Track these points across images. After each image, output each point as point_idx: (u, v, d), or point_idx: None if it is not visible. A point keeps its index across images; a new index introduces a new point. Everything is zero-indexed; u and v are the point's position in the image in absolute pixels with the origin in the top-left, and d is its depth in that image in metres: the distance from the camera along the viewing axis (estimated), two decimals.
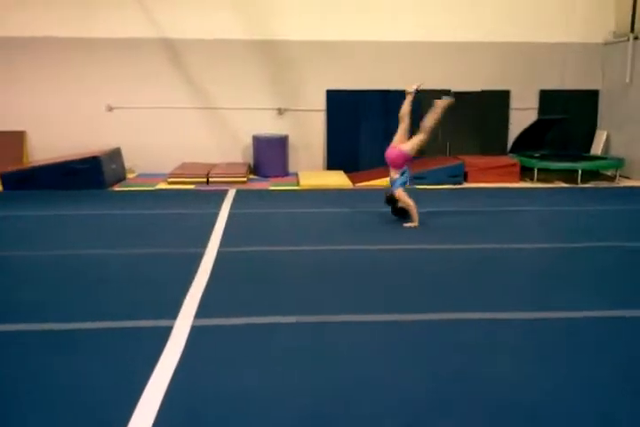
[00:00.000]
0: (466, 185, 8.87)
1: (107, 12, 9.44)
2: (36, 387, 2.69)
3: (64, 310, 3.66)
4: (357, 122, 10.00)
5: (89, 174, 8.14)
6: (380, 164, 9.74)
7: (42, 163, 8.60)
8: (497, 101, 10.22)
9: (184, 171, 9.02)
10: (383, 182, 8.58)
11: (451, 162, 9.13)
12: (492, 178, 8.99)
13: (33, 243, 5.34)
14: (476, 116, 10.17)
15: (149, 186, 8.59)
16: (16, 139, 9.61)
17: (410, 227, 6.02)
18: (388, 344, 3.19)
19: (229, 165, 9.72)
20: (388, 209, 6.36)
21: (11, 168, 8.42)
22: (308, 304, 3.79)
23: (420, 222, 6.04)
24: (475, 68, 10.04)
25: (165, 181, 8.84)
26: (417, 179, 8.67)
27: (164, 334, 3.25)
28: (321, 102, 10.04)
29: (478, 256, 4.98)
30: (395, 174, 6.28)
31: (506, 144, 10.28)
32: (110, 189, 8.34)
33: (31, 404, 2.55)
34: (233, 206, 7.06)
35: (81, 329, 3.36)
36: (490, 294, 4.01)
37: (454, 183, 8.82)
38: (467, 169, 9.00)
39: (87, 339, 3.24)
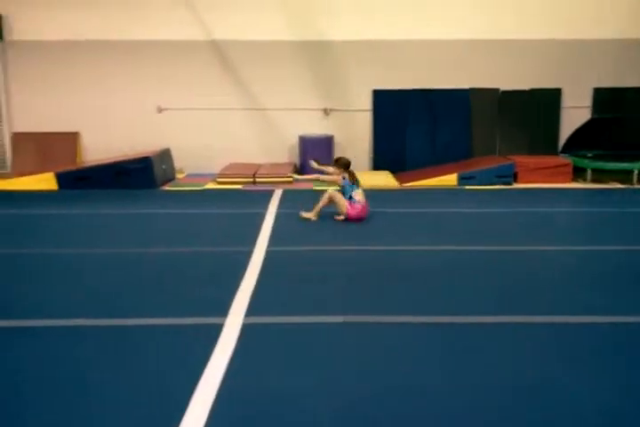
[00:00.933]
0: (515, 185, 8.69)
1: (158, 15, 9.65)
2: (89, 382, 2.76)
3: (119, 307, 3.74)
4: (404, 122, 9.93)
5: (140, 174, 8.33)
6: (427, 163, 9.70)
7: (95, 163, 8.86)
8: (548, 100, 9.98)
9: (232, 171, 9.14)
10: (432, 182, 8.52)
11: (500, 162, 8.96)
12: (542, 178, 8.78)
13: (87, 240, 5.49)
14: (527, 115, 9.95)
15: (198, 186, 8.73)
16: (70, 139, 9.93)
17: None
18: (438, 347, 3.14)
19: (276, 165, 9.79)
20: (437, 210, 6.30)
21: (66, 168, 8.68)
22: (356, 304, 3.78)
23: (467, 224, 5.94)
24: (524, 66, 9.83)
25: (214, 181, 8.97)
26: (465, 179, 8.56)
27: (216, 331, 3.29)
28: (367, 102, 10.00)
29: (534, 259, 4.87)
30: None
31: (557, 144, 10.03)
32: (160, 188, 8.51)
33: (83, 400, 2.62)
34: (279, 206, 7.11)
35: (134, 325, 3.43)
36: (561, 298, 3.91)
37: (503, 184, 8.65)
38: (517, 169, 8.82)
39: (140, 335, 3.30)
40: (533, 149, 9.85)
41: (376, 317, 3.55)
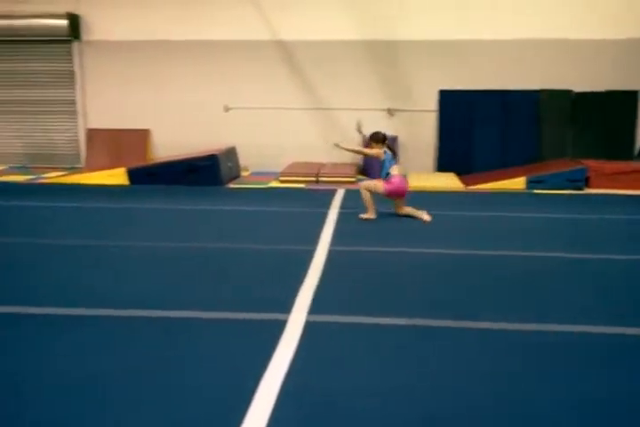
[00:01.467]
0: (587, 191, 8.36)
1: (227, 15, 9.84)
2: (154, 373, 2.83)
3: (185, 299, 3.83)
4: (471, 123, 9.74)
5: (207, 172, 8.50)
6: (494, 166, 9.47)
7: (164, 160, 9.11)
8: (624, 103, 9.57)
9: (295, 170, 9.20)
10: (499, 186, 8.32)
11: (572, 166, 8.64)
12: (617, 184, 8.39)
13: (156, 234, 5.65)
14: (601, 118, 9.57)
15: (262, 184, 8.84)
16: (141, 136, 10.26)
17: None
18: (506, 357, 3.05)
19: (338, 165, 9.80)
20: (503, 213, 6.13)
21: (136, 164, 8.97)
22: (419, 306, 3.72)
23: (533, 228, 5.76)
24: (599, 67, 9.46)
25: (277, 179, 9.06)
26: (534, 183, 8.31)
27: (279, 327, 3.31)
28: (433, 103, 9.87)
29: (596, 267, 4.67)
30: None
31: (633, 149, 9.60)
32: (226, 186, 8.67)
33: (148, 390, 2.68)
34: (342, 206, 7.11)
35: (198, 318, 3.50)
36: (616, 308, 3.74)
37: (574, 188, 8.34)
38: (589, 174, 8.48)
39: (204, 328, 3.36)
40: (607, 154, 9.45)
41: (440, 321, 3.49)
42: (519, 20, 9.46)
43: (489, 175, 8.90)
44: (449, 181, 8.77)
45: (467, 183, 8.57)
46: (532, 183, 8.33)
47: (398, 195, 6.33)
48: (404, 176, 6.28)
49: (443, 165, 9.81)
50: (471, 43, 9.59)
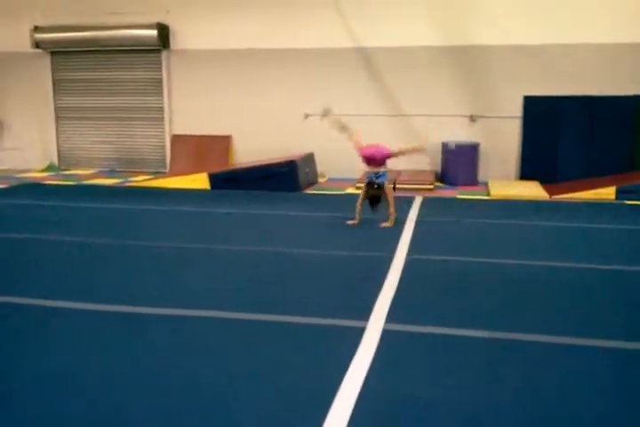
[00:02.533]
0: None
1: (308, 23, 9.95)
2: (233, 374, 2.87)
3: (266, 301, 3.87)
4: (557, 130, 9.37)
5: (285, 177, 8.61)
6: (582, 175, 9.06)
7: (244, 165, 9.30)
8: None
9: None
10: (586, 195, 7.94)
11: None
12: None
13: (235, 238, 5.76)
14: None
15: (339, 190, 8.86)
16: (223, 142, 10.54)
17: (386, 226, 6.15)
18: (610, 375, 2.89)
19: (416, 172, 9.68)
20: (591, 225, 5.83)
21: (218, 169, 9.21)
22: (500, 320, 3.59)
23: (623, 241, 5.45)
24: None
25: (354, 186, 9.04)
26: (625, 193, 7.87)
27: (357, 334, 3.28)
28: (517, 109, 9.57)
29: None
30: (377, 168, 6.40)
31: None
32: (303, 191, 8.74)
33: (228, 391, 2.72)
34: (420, 214, 6.99)
35: (279, 322, 3.53)
36: None
37: None
38: None
39: (284, 331, 3.39)
40: None
41: (522, 334, 3.35)
42: (609, 23, 9.02)
43: (575, 184, 8.52)
44: (533, 190, 8.46)
45: (552, 192, 8.22)
46: (622, 193, 7.89)
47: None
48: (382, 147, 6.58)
49: (526, 174, 9.48)
50: (557, 47, 9.24)
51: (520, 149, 9.62)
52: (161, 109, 10.89)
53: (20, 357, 3.04)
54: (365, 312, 3.63)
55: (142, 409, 2.52)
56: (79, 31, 10.55)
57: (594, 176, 8.96)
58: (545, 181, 9.03)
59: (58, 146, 11.44)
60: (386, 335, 3.29)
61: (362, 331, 3.33)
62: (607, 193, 7.92)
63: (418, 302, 3.91)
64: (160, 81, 10.80)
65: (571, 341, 3.26)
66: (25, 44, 10.90)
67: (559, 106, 9.29)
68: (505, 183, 9.14)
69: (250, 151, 10.31)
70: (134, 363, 2.96)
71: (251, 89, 10.40)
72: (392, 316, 3.60)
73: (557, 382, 2.79)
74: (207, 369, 2.90)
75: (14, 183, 9.34)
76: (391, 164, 9.85)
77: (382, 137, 10.01)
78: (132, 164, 11.14)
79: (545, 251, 5.30)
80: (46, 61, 11.13)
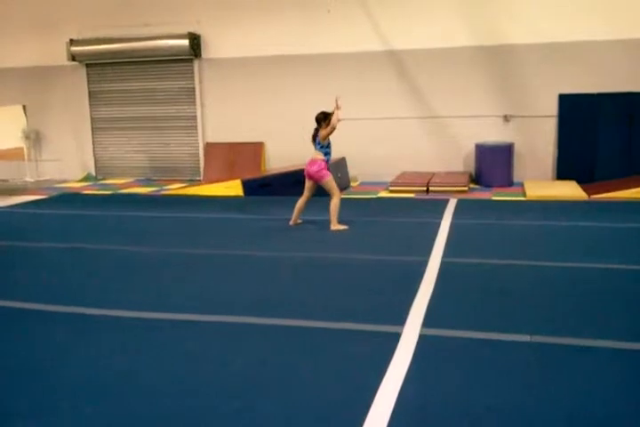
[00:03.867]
0: None
1: (337, 27, 9.96)
2: (267, 380, 2.86)
3: (304, 308, 3.87)
4: (594, 128, 9.16)
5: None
6: (620, 174, 8.83)
7: (276, 171, 9.35)
8: None
9: (404, 180, 9.10)
10: (626, 195, 7.75)
11: None
12: None
13: (269, 243, 5.78)
14: None
15: (371, 194, 8.82)
16: (256, 149, 10.61)
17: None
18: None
19: (449, 174, 9.58)
20: (632, 225, 5.67)
21: (251, 176, 9.28)
22: (542, 323, 3.51)
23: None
24: None
25: (386, 189, 9.00)
26: None
27: (393, 340, 3.25)
28: (552, 108, 9.40)
29: None
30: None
31: None
32: None
33: (259, 396, 2.72)
34: (454, 216, 6.91)
35: (315, 327, 3.52)
36: None
37: None
38: None
39: (321, 336, 3.38)
40: None
41: (565, 338, 3.26)
42: None
43: (614, 184, 8.31)
44: (570, 190, 8.28)
45: (590, 192, 8.03)
46: None
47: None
48: (317, 159, 6.42)
49: (562, 173, 9.30)
50: (591, 44, 9.04)
51: (556, 149, 9.44)
52: (194, 118, 11.03)
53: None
54: (402, 317, 3.59)
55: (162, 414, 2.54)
56: (113, 43, 10.79)
57: (633, 175, 8.73)
58: (582, 181, 8.84)
59: (94, 156, 11.69)
60: (422, 341, 3.25)
61: (398, 337, 3.30)
62: None
63: (454, 305, 3.85)
64: (192, 90, 10.95)
65: (619, 345, 3.16)
66: (61, 58, 11.20)
67: (596, 103, 9.09)
68: (541, 184, 8.97)
69: (282, 157, 10.36)
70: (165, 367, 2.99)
71: (281, 95, 10.45)
72: (429, 320, 3.56)
73: (606, 389, 2.70)
74: (235, 377, 2.89)
75: (53, 194, 9.57)
76: (424, 166, 9.83)
77: (413, 139, 9.99)
78: (166, 172, 11.31)
79: (583, 252, 5.17)
80: (82, 73, 11.40)
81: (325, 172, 6.40)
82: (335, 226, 6.32)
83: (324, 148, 6.49)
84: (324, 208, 6.49)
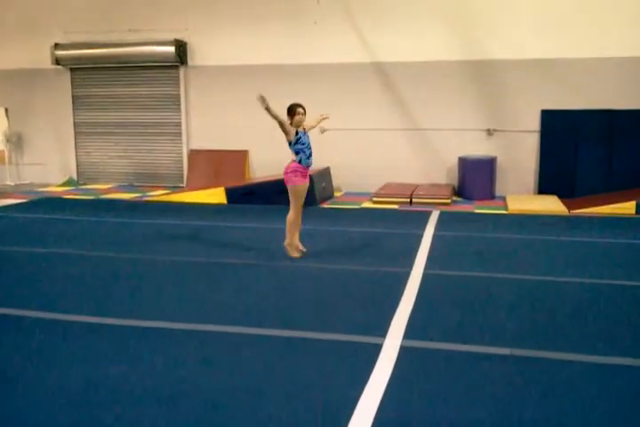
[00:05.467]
0: None
1: (324, 39, 10.00)
2: (252, 390, 2.84)
3: (285, 318, 3.84)
4: (575, 144, 9.29)
5: None
6: (601, 189, 8.95)
7: (259, 180, 9.33)
8: None
9: (388, 191, 9.13)
10: (606, 210, 7.84)
11: None
12: None
13: (248, 253, 5.75)
14: None
15: (355, 204, 8.83)
16: (241, 157, 10.59)
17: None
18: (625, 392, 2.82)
19: (433, 186, 9.63)
20: (611, 240, 5.72)
21: (234, 184, 9.24)
22: (520, 336, 3.52)
23: None
24: None
25: (370, 200, 9.02)
26: None
27: (374, 351, 3.24)
28: (534, 123, 9.52)
29: None
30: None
31: None
32: (319, 206, 8.73)
33: (246, 407, 2.69)
34: (437, 228, 6.94)
35: (296, 337, 3.50)
36: None
37: None
38: None
39: (303, 346, 3.35)
40: None
41: (545, 352, 3.28)
42: (626, 37, 8.97)
43: (595, 199, 8.42)
44: (551, 205, 8.37)
45: (571, 207, 8.13)
46: None
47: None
48: (296, 165, 5.46)
49: (544, 188, 9.40)
50: (574, 61, 9.19)
51: (538, 164, 9.54)
52: (178, 125, 10.99)
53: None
54: (383, 328, 3.59)
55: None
56: (98, 48, 10.72)
57: (613, 191, 8.85)
58: (563, 196, 8.95)
59: (77, 160, 11.57)
60: (403, 353, 3.24)
61: (379, 348, 3.29)
62: (627, 208, 7.80)
63: (435, 317, 3.86)
64: (178, 97, 10.91)
65: (595, 359, 3.19)
66: (46, 61, 11.10)
67: (577, 120, 9.22)
68: (523, 198, 9.06)
69: (266, 166, 10.34)
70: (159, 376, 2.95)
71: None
72: (410, 332, 3.55)
73: (584, 402, 2.72)
74: (222, 385, 2.87)
75: (34, 198, 9.45)
76: (407, 177, 9.87)
77: (397, 151, 10.04)
78: (149, 178, 11.22)
79: (564, 266, 5.21)
80: (66, 78, 11.30)
81: (293, 176, 5.41)
82: (287, 244, 5.52)
83: (294, 145, 5.55)
84: (309, 216, 6.47)
